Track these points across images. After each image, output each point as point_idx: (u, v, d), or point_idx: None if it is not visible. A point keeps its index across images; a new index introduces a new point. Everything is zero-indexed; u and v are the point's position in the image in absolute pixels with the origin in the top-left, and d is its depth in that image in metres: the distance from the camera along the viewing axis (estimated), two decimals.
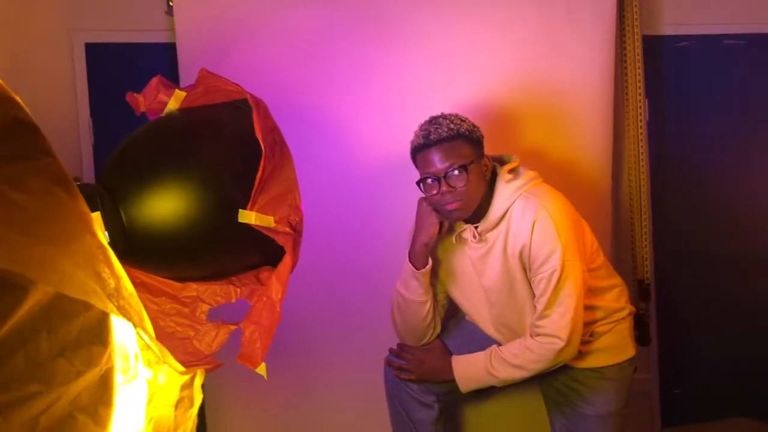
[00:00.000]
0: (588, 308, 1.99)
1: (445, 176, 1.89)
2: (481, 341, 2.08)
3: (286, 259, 1.62)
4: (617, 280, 2.13)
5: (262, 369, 1.61)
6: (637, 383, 2.35)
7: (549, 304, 1.91)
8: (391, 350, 2.18)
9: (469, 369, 2.04)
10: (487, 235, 1.99)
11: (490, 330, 2.10)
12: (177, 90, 1.76)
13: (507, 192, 1.96)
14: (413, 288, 2.02)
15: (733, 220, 2.69)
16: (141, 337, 1.14)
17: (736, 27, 2.65)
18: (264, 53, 2.26)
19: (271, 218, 1.58)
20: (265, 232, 1.59)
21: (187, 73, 2.19)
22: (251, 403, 2.37)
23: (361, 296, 2.33)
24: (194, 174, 1.57)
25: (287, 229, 1.61)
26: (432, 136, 1.90)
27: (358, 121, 2.31)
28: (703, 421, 2.61)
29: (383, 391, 2.19)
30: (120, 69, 2.35)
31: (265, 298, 1.61)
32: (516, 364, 1.97)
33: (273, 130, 1.67)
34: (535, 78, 2.40)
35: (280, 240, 1.61)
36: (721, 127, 2.68)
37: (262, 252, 1.69)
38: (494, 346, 2.03)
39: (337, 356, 2.38)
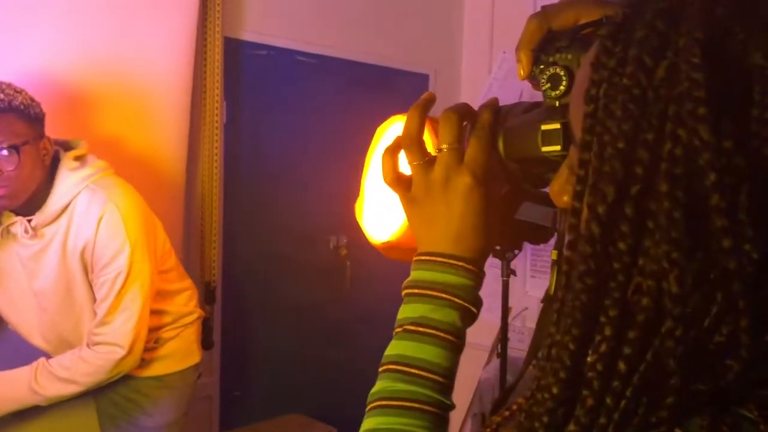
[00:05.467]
0: (155, 313, 1.87)
1: None
2: (26, 354, 1.78)
3: None
4: (188, 282, 2.05)
5: None
6: (200, 387, 2.30)
7: (111, 310, 1.73)
8: None
9: (8, 388, 1.72)
10: (44, 230, 1.71)
11: (37, 340, 1.81)
12: None
13: (71, 181, 1.71)
14: None
15: (296, 227, 2.85)
16: None
17: (309, 46, 2.82)
18: None
19: None
20: None
21: None
22: None
23: None
24: None
25: None
26: None
27: None
28: (260, 421, 2.68)
29: None
30: None
31: None
32: (66, 378, 1.73)
33: None
34: (113, 63, 2.19)
35: None
36: (291, 139, 2.82)
37: None
38: (42, 359, 1.75)
39: None
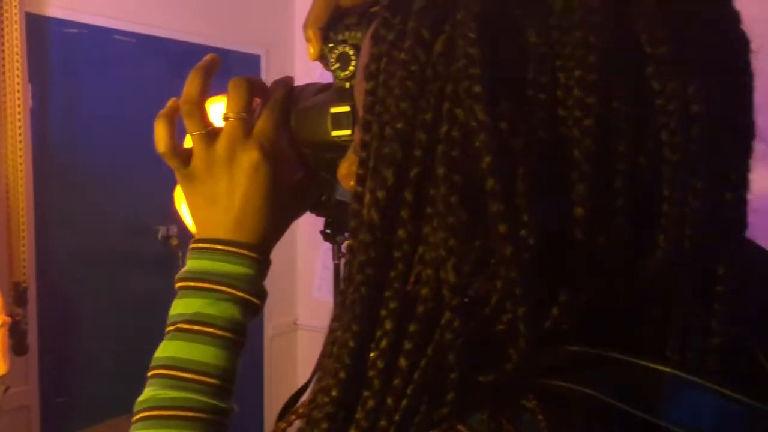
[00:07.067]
0: None
1: None
2: None
3: None
4: None
5: None
6: (11, 398, 2.11)
7: None
8: None
9: None
10: None
11: None
12: None
13: None
14: None
15: (120, 217, 2.68)
16: None
17: (127, 24, 2.63)
18: None
19: None
20: None
21: None
22: None
23: None
24: None
25: None
26: None
27: None
28: (87, 426, 2.50)
29: None
30: None
31: None
32: None
33: None
34: None
35: None
36: (110, 124, 2.63)
37: None
38: None
39: None
